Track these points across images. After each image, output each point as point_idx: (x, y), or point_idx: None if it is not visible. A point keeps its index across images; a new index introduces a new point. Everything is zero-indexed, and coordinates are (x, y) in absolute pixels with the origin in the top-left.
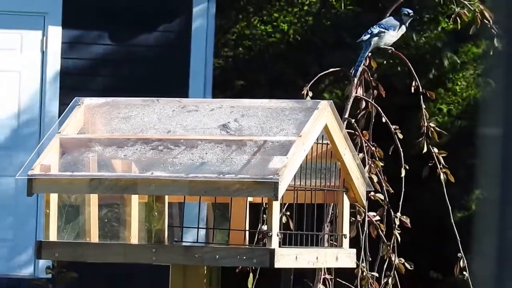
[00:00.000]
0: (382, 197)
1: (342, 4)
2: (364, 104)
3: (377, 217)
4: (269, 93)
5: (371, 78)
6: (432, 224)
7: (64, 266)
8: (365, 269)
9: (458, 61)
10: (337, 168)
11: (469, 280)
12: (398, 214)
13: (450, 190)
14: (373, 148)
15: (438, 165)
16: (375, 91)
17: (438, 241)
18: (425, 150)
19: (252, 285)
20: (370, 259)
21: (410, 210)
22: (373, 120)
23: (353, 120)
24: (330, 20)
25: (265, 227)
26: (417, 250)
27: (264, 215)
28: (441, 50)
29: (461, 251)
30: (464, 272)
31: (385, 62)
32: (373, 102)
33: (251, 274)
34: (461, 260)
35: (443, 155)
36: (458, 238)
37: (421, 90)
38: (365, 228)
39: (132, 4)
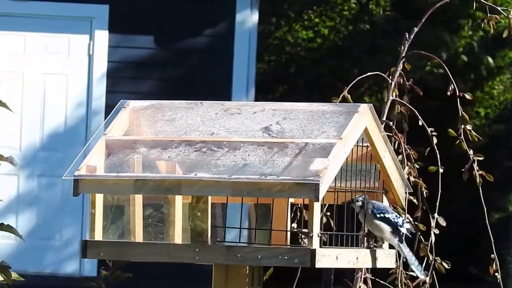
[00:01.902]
0: (414, 200)
1: (381, 10)
2: (398, 107)
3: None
4: (308, 97)
5: (407, 82)
6: (468, 224)
7: (118, 266)
8: (399, 269)
9: (494, 63)
10: (376, 170)
11: (500, 282)
12: (436, 215)
13: (487, 192)
14: (409, 151)
15: (475, 168)
16: (410, 94)
17: (474, 241)
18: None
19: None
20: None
21: (446, 211)
22: (408, 123)
23: (391, 123)
24: (367, 25)
25: (294, 225)
26: (453, 250)
27: (305, 214)
28: (479, 54)
29: (495, 253)
30: (496, 274)
31: (423, 65)
32: (408, 105)
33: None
34: (494, 262)
35: (480, 158)
36: (492, 240)
37: (458, 93)
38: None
39: (177, 9)
